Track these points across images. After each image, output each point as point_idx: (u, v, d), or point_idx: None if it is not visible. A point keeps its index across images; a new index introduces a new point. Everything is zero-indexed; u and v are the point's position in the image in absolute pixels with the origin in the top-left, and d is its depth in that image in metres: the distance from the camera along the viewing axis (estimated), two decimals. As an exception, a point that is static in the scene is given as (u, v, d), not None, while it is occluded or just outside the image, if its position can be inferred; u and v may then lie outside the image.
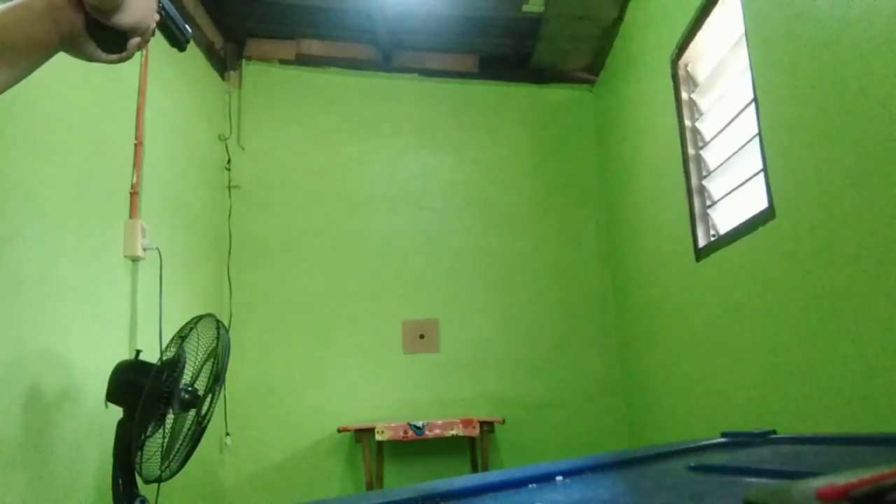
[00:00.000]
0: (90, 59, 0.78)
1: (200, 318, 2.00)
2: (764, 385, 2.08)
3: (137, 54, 2.79)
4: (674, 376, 2.93)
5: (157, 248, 2.68)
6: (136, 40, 0.79)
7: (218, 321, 2.02)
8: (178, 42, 0.88)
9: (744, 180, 2.24)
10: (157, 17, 0.80)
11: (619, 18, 3.47)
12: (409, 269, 3.81)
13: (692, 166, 2.63)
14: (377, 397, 3.65)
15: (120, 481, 1.88)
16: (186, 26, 0.89)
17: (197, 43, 3.47)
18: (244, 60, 3.94)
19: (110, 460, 1.91)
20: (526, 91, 4.10)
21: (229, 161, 3.80)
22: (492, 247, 3.88)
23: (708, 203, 2.57)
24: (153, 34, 0.81)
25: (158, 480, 1.91)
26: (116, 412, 1.92)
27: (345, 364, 3.68)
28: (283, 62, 3.98)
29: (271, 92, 3.95)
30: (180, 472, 1.96)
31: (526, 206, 3.95)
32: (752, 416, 2.16)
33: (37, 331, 1.97)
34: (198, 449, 1.99)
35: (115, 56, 0.79)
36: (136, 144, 2.66)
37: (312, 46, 3.97)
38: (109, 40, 0.77)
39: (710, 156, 2.57)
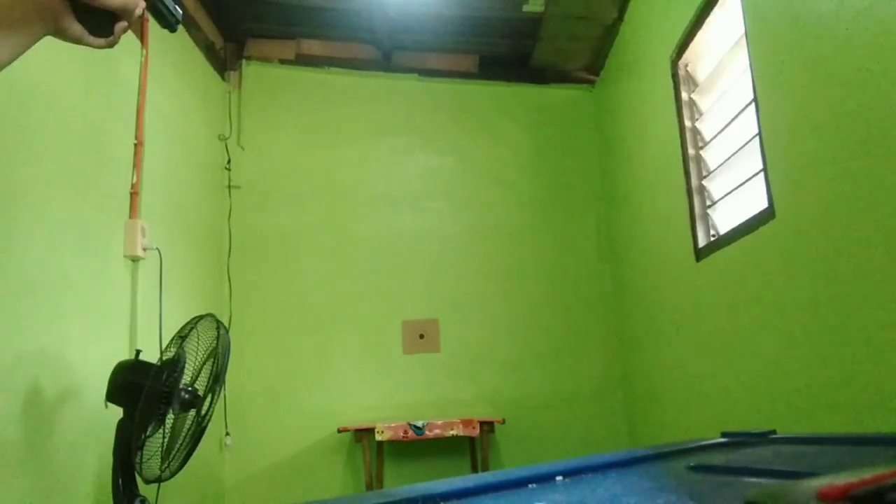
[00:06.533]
0: (78, 42, 0.77)
1: (200, 318, 2.00)
2: (764, 385, 2.08)
3: (137, 54, 2.78)
4: (674, 376, 2.93)
5: (157, 248, 2.68)
6: (122, 24, 0.79)
7: (218, 321, 2.02)
8: (168, 23, 0.86)
9: (744, 180, 2.24)
10: None
11: (619, 18, 3.47)
12: (409, 269, 3.81)
13: (692, 166, 2.63)
14: (377, 397, 3.65)
15: (120, 481, 1.88)
16: (176, 6, 0.86)
17: (197, 43, 3.47)
18: (244, 60, 3.94)
19: (110, 460, 1.91)
20: (526, 91, 4.10)
21: (229, 161, 3.80)
22: (492, 247, 3.88)
23: (708, 203, 2.57)
24: (141, 16, 0.81)
25: (158, 480, 1.91)
26: (116, 412, 1.92)
27: (345, 364, 3.68)
28: (283, 62, 3.98)
29: (271, 92, 3.95)
30: (180, 472, 1.96)
31: (526, 205, 3.95)
32: (753, 416, 2.16)
33: (37, 331, 1.97)
34: (198, 449, 1.99)
35: (102, 40, 0.79)
36: (136, 144, 2.66)
37: (312, 46, 3.97)
38: (97, 23, 0.77)
39: (710, 156, 2.57)
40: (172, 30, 0.88)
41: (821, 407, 1.76)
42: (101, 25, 0.77)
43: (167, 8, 0.84)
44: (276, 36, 3.94)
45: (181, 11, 0.88)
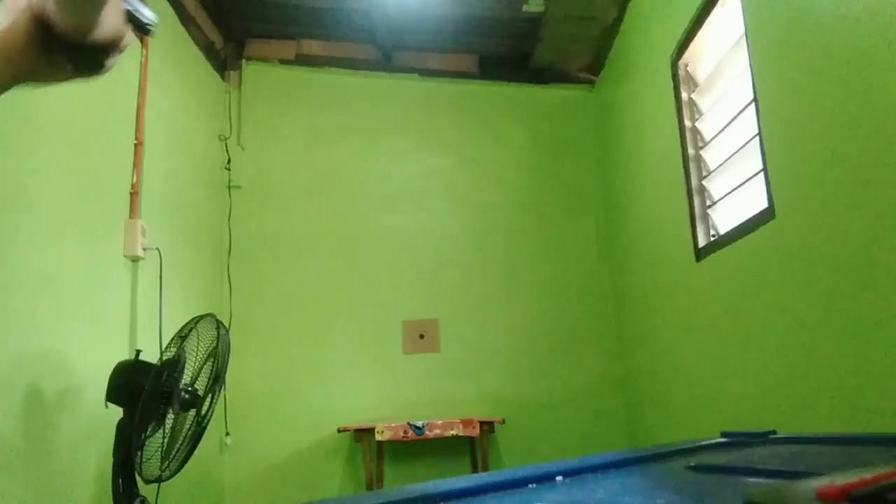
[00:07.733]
0: (69, 80, 0.75)
1: (200, 318, 2.01)
2: (764, 385, 2.08)
3: (137, 54, 2.78)
4: (674, 376, 2.93)
5: (157, 248, 2.68)
6: (114, 58, 0.77)
7: (218, 321, 2.02)
8: (144, 28, 0.85)
9: (744, 180, 2.24)
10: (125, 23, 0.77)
11: (619, 18, 3.47)
12: (409, 269, 3.81)
13: (692, 166, 2.63)
14: (377, 397, 3.65)
15: (120, 481, 1.88)
16: (148, 11, 0.84)
17: (197, 43, 3.47)
18: (244, 60, 3.94)
19: (110, 460, 1.91)
20: (526, 91, 4.10)
21: (229, 161, 3.80)
22: (492, 246, 3.88)
23: (708, 203, 2.57)
24: (129, 42, 0.79)
25: (158, 480, 1.91)
26: (116, 412, 1.92)
27: (345, 364, 3.68)
28: (283, 62, 3.98)
29: (271, 92, 3.95)
30: (180, 472, 1.96)
31: (526, 205, 3.95)
32: (753, 415, 2.16)
33: (37, 331, 1.97)
34: (198, 449, 1.99)
35: (96, 74, 0.78)
36: (136, 144, 2.66)
37: (312, 46, 3.97)
38: (87, 59, 0.75)
39: (710, 156, 2.57)
40: (148, 34, 0.86)
41: (821, 407, 1.76)
42: (93, 60, 0.76)
43: (140, 14, 0.83)
44: (276, 36, 3.94)
45: (155, 17, 0.85)
